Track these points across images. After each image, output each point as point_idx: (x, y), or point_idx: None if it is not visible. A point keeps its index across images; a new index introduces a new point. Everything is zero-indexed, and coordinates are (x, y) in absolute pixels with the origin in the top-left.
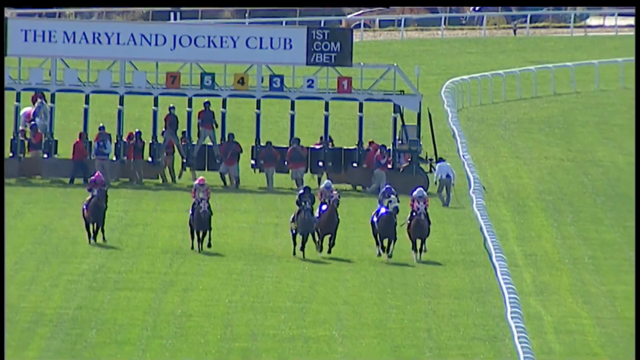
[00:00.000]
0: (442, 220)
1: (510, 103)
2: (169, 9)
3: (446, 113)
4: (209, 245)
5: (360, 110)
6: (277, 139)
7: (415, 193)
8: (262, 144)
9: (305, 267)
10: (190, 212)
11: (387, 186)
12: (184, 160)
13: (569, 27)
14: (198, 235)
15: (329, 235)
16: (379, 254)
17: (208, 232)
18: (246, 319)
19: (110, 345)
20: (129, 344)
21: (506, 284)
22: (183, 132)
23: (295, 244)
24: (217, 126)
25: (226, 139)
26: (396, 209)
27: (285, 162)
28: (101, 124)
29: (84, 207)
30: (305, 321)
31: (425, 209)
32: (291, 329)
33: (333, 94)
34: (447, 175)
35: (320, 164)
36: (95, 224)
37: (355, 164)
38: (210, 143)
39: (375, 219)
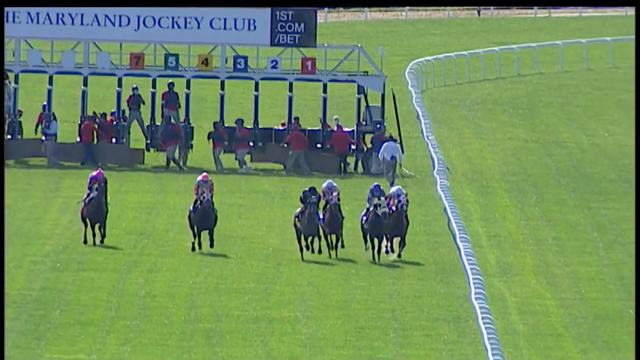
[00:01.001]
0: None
1: (474, 84)
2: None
3: (410, 94)
4: (211, 245)
5: (325, 91)
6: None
7: (393, 190)
8: (226, 125)
9: (269, 248)
10: (192, 209)
11: (376, 184)
12: (148, 142)
13: (532, 8)
14: (199, 234)
15: (334, 235)
16: (373, 257)
17: (211, 230)
18: (210, 300)
19: (74, 326)
20: (92, 325)
21: (470, 265)
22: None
23: (300, 246)
24: (180, 107)
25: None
26: (385, 215)
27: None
28: (44, 103)
29: (83, 204)
30: (269, 302)
31: (402, 206)
32: (255, 310)
33: (297, 75)
34: (392, 157)
35: (286, 145)
36: (97, 225)
37: (319, 145)
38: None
39: (364, 219)
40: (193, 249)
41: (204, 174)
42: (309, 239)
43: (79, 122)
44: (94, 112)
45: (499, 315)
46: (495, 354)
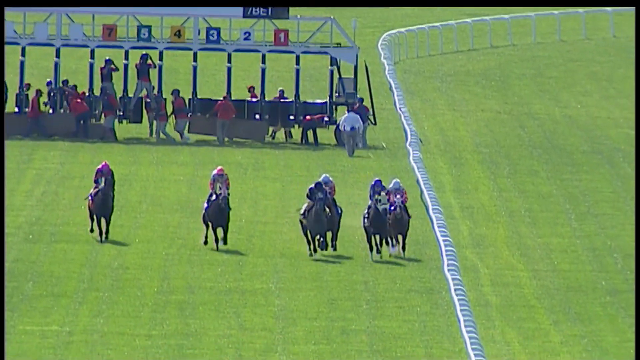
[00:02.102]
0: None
1: (447, 55)
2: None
3: (383, 66)
4: (225, 242)
5: (297, 62)
6: (213, 91)
7: (391, 186)
8: (199, 96)
9: (241, 220)
10: (206, 205)
11: (377, 180)
12: (121, 114)
13: None
14: (214, 230)
15: (330, 233)
16: (377, 253)
17: (225, 226)
18: (183, 272)
19: (47, 297)
20: (65, 297)
21: (443, 237)
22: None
23: (308, 242)
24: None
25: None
26: (385, 211)
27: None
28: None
29: (90, 198)
30: (242, 274)
31: (403, 202)
32: (228, 282)
33: (270, 47)
34: (352, 128)
35: (257, 116)
36: (103, 219)
37: (292, 117)
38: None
39: (365, 219)
40: (205, 242)
41: (219, 167)
42: (317, 237)
43: (52, 94)
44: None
45: (471, 286)
46: (468, 326)
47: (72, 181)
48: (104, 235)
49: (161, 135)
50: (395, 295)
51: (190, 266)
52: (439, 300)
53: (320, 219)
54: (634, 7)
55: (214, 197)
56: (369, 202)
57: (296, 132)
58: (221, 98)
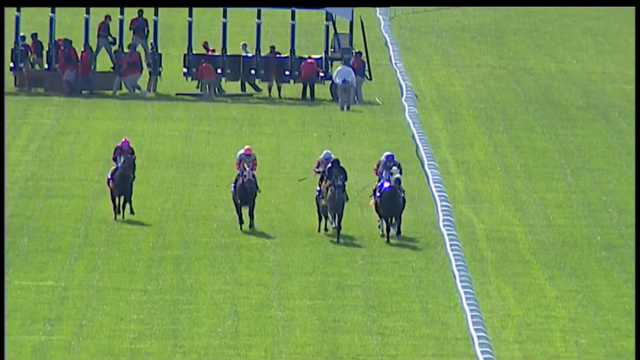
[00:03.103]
0: (374, 129)
1: (442, 11)
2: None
3: (378, 21)
4: (251, 225)
5: (293, 18)
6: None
7: (382, 158)
8: (193, 52)
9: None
10: (233, 185)
11: (388, 154)
12: (113, 68)
13: None
14: (240, 210)
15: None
16: (383, 235)
17: (252, 207)
18: (178, 227)
19: (43, 252)
20: (61, 252)
21: (438, 192)
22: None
23: (320, 219)
24: (148, 34)
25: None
26: (398, 181)
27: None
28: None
29: (109, 177)
30: (237, 229)
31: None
32: (224, 237)
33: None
34: (344, 81)
35: (253, 72)
36: (122, 198)
37: (287, 73)
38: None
39: (378, 195)
40: (241, 222)
41: (247, 147)
42: (334, 216)
43: (47, 49)
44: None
45: (467, 242)
46: (463, 281)
47: (67, 136)
48: (123, 213)
49: (150, 94)
50: (391, 251)
51: (185, 221)
52: (435, 255)
53: (340, 199)
54: (634, 7)
55: (240, 178)
56: (379, 179)
57: (291, 87)
58: (208, 52)
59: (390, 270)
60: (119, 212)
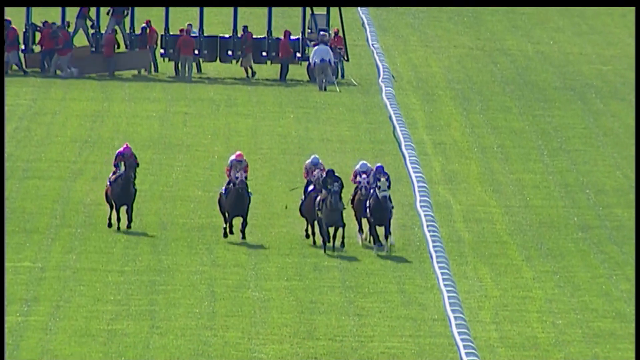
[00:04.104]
0: (351, 109)
1: None
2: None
3: None
4: (243, 237)
5: None
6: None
7: (358, 167)
8: (171, 32)
9: (214, 156)
10: (223, 191)
11: (379, 166)
12: (93, 49)
13: None
14: (231, 220)
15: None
16: (380, 247)
17: (244, 217)
18: (155, 208)
19: (19, 233)
20: (37, 233)
21: (415, 173)
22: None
23: (322, 236)
24: (127, 14)
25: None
26: (384, 198)
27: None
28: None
29: (108, 183)
30: (214, 210)
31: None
32: (200, 218)
33: None
34: (322, 60)
35: (230, 52)
36: (124, 207)
37: (264, 53)
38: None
39: (367, 205)
40: (225, 235)
41: (238, 152)
42: (332, 230)
43: (24, 30)
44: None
45: (444, 222)
46: (440, 262)
47: (44, 117)
48: (124, 224)
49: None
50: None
51: (162, 202)
52: (412, 236)
53: (337, 209)
54: (634, 7)
55: (231, 184)
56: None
57: (268, 68)
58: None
59: (367, 251)
60: (119, 219)
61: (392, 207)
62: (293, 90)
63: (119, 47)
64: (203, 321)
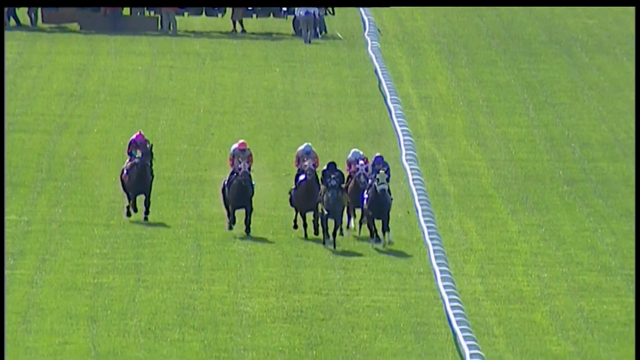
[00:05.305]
0: (336, 63)
1: None
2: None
3: None
4: (247, 230)
5: None
6: None
7: (350, 156)
8: None
9: (200, 110)
10: (226, 182)
11: (378, 156)
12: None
13: None
14: (233, 212)
15: (312, 212)
16: (377, 241)
17: (248, 209)
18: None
19: (5, 187)
20: (23, 186)
21: (401, 126)
22: None
23: (323, 229)
24: None
25: None
26: (383, 191)
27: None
28: None
29: (124, 172)
30: (200, 164)
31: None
32: (186, 172)
33: None
34: (307, 13)
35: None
36: (141, 196)
37: (250, 7)
38: None
39: (366, 196)
40: (230, 228)
41: (241, 141)
42: (332, 223)
43: None
44: None
45: (429, 176)
46: (426, 215)
47: (29, 71)
48: (141, 215)
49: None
50: None
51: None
52: (397, 189)
53: (337, 200)
54: (634, 7)
55: (234, 175)
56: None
57: (254, 22)
58: None
59: None
60: (136, 211)
61: (392, 199)
62: (279, 44)
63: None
64: (189, 275)
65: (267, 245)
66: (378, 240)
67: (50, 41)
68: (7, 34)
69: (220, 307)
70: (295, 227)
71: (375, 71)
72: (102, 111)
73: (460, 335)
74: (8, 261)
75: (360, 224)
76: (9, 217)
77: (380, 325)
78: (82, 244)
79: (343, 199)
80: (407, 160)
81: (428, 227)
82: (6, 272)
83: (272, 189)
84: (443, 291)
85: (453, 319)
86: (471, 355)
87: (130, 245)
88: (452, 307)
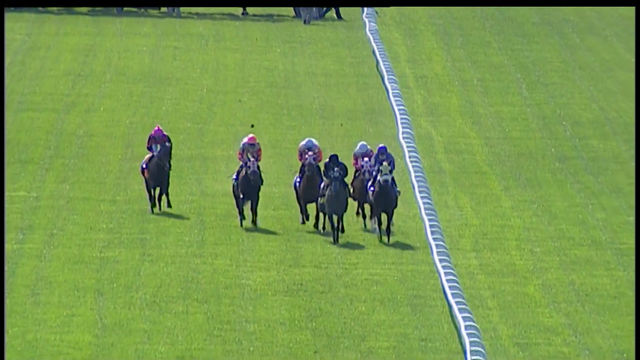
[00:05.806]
0: (335, 44)
1: None
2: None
3: None
4: (254, 221)
5: None
6: None
7: (358, 149)
8: None
9: (203, 89)
10: (235, 177)
11: (381, 147)
12: None
13: None
14: (242, 206)
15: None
16: (376, 231)
17: (255, 202)
18: (146, 140)
19: (14, 164)
20: (32, 163)
21: (398, 106)
22: None
23: (319, 220)
24: None
25: None
26: (386, 182)
27: None
28: None
29: (143, 166)
30: (203, 142)
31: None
32: (190, 149)
33: None
34: None
35: None
36: (158, 189)
37: None
38: None
39: (372, 189)
40: (241, 224)
41: (251, 135)
42: (335, 218)
43: None
44: None
45: (425, 154)
46: (422, 192)
47: (38, 52)
48: (160, 205)
49: None
50: (351, 162)
51: None
52: (395, 167)
53: (340, 195)
54: (634, 7)
55: (243, 170)
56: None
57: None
58: None
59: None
60: (155, 205)
61: (399, 193)
62: (279, 25)
63: None
64: (192, 249)
65: (268, 221)
66: (383, 233)
67: (58, 22)
68: (17, 15)
69: (222, 280)
70: (303, 222)
71: (373, 52)
72: (108, 91)
73: (455, 307)
74: (17, 235)
75: (368, 217)
76: (17, 193)
77: (377, 297)
78: (89, 219)
79: (345, 191)
80: (403, 138)
81: (424, 203)
82: (15, 246)
83: (272, 166)
84: (439, 265)
85: (448, 292)
86: (466, 327)
87: (136, 220)
88: (448, 281)
